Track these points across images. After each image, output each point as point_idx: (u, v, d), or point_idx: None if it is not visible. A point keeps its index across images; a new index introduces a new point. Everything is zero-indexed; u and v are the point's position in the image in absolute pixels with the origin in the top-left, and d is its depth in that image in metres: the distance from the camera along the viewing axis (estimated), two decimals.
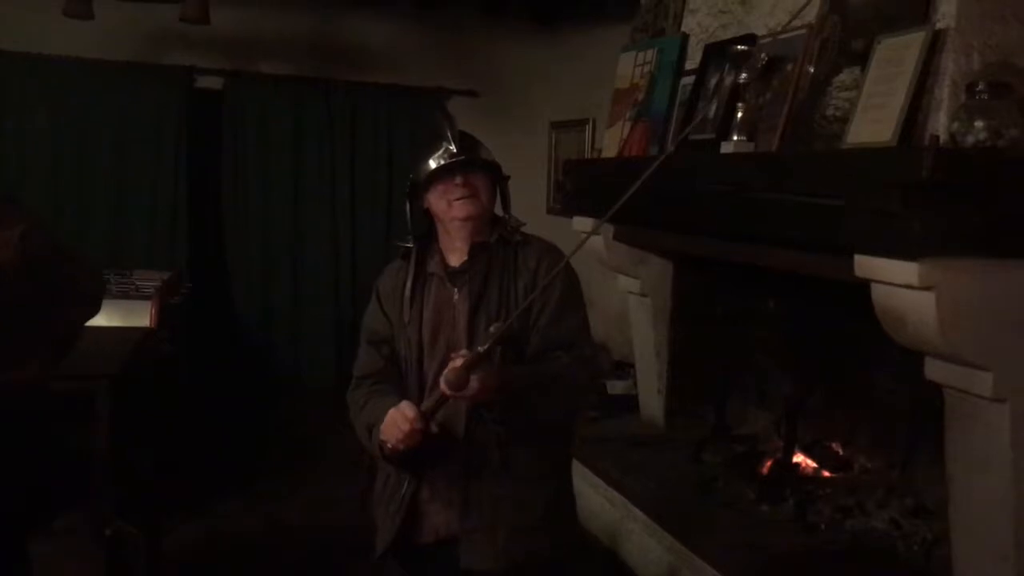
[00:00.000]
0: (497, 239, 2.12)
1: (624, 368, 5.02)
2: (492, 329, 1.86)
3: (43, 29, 5.28)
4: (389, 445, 1.95)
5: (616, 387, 4.81)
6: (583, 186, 4.12)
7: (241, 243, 6.14)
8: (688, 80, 3.57)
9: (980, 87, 2.24)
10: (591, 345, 2.17)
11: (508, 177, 2.19)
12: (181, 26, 4.97)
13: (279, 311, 6.23)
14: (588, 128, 5.97)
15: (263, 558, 3.73)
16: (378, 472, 2.20)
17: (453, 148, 2.08)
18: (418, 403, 1.98)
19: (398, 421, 1.90)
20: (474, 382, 1.79)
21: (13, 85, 5.48)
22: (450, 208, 2.08)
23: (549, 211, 6.26)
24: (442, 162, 2.07)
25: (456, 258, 2.13)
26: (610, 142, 4.03)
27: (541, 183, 6.46)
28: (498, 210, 2.19)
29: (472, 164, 2.10)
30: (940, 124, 2.35)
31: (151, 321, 4.59)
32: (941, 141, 2.29)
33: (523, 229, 2.19)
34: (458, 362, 1.78)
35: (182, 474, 4.31)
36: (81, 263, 2.51)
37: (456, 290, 2.10)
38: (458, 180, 2.07)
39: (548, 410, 2.02)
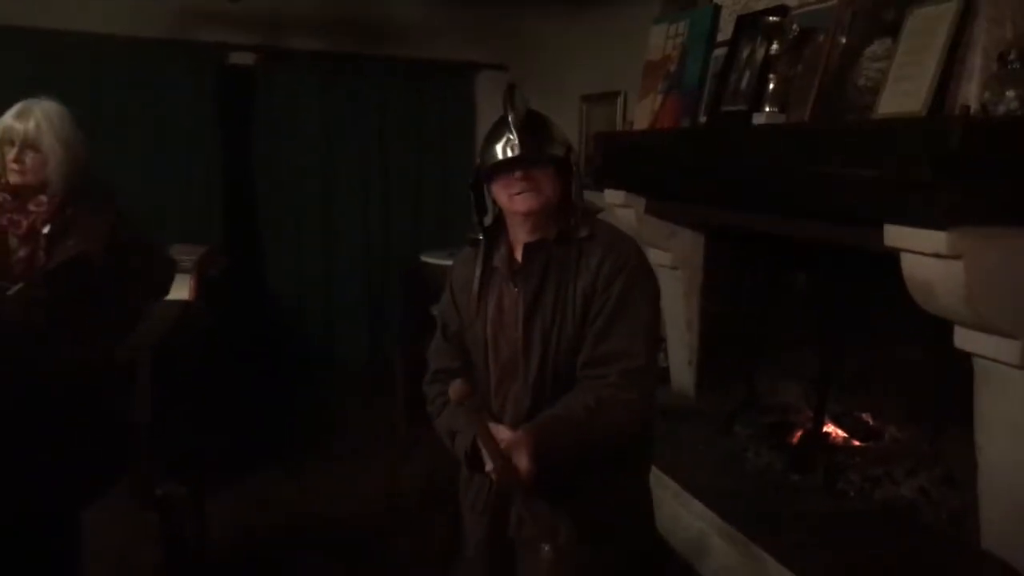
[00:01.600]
0: (557, 236, 2.00)
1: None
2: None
3: (79, 7, 5.36)
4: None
5: None
6: (614, 159, 4.14)
7: (274, 218, 6.22)
8: (720, 52, 3.57)
9: (1012, 56, 2.24)
10: (645, 354, 1.95)
11: (577, 164, 2.05)
12: (213, 3, 5.03)
13: (311, 287, 6.32)
14: (620, 101, 5.95)
15: (294, 528, 3.82)
16: (461, 471, 2.16)
17: (514, 139, 1.95)
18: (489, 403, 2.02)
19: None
20: (523, 463, 1.76)
21: (49, 62, 5.56)
22: (511, 202, 1.98)
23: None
24: (507, 153, 1.95)
25: (521, 253, 2.04)
26: (641, 114, 4.05)
27: None
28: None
29: (530, 161, 1.95)
30: (972, 94, 2.35)
31: (190, 294, 4.70)
32: (972, 111, 2.29)
33: (604, 217, 2.08)
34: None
35: (216, 445, 4.42)
36: (157, 252, 2.63)
37: (516, 289, 2.01)
38: (517, 175, 1.94)
39: (591, 449, 1.92)
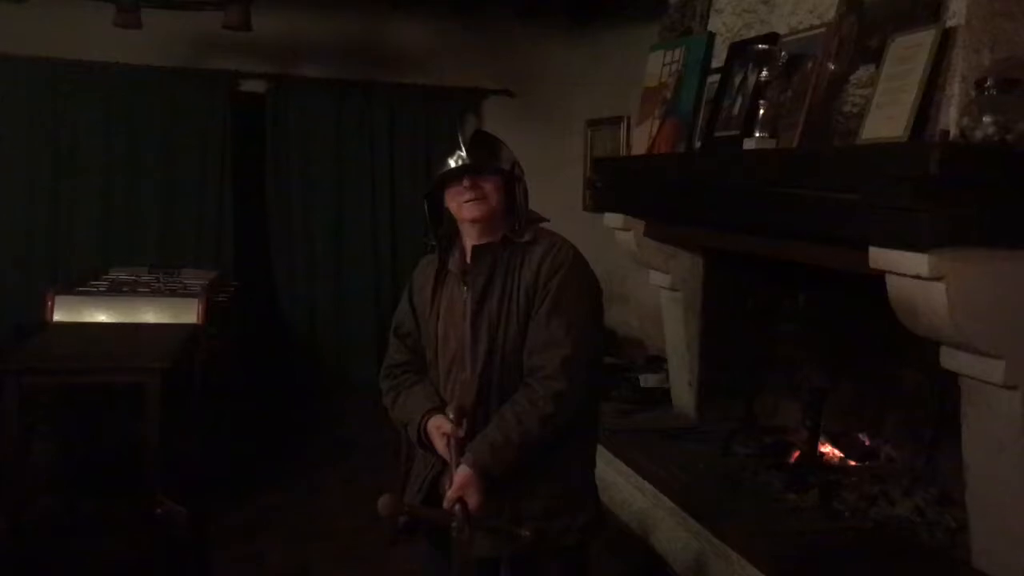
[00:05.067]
0: (501, 240, 2.18)
1: (658, 362, 5.10)
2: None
3: (96, 38, 5.50)
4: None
5: (649, 380, 4.88)
6: (613, 183, 4.20)
7: (284, 243, 6.32)
8: (715, 78, 3.64)
9: (989, 83, 2.30)
10: (575, 345, 2.11)
11: (519, 178, 2.22)
12: (225, 32, 5.16)
13: (323, 310, 6.40)
14: (623, 126, 6.03)
15: (303, 541, 3.87)
16: (413, 463, 2.36)
17: (463, 153, 2.16)
18: (439, 391, 2.23)
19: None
20: (473, 501, 2.01)
21: (68, 91, 5.72)
22: (460, 209, 2.17)
23: (585, 208, 6.35)
24: (457, 164, 2.16)
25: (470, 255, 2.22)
26: (639, 139, 4.12)
27: (577, 181, 6.55)
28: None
29: (477, 169, 2.16)
30: (951, 119, 2.40)
31: (198, 318, 4.78)
32: (951, 136, 2.35)
33: (548, 226, 2.25)
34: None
35: (226, 464, 4.48)
36: None
37: (465, 288, 2.19)
38: (465, 183, 2.14)
39: (531, 451, 2.10)
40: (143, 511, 3.47)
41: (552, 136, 6.51)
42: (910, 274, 2.36)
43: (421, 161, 6.48)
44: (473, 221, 2.17)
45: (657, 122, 3.97)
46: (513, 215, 2.21)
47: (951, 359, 2.53)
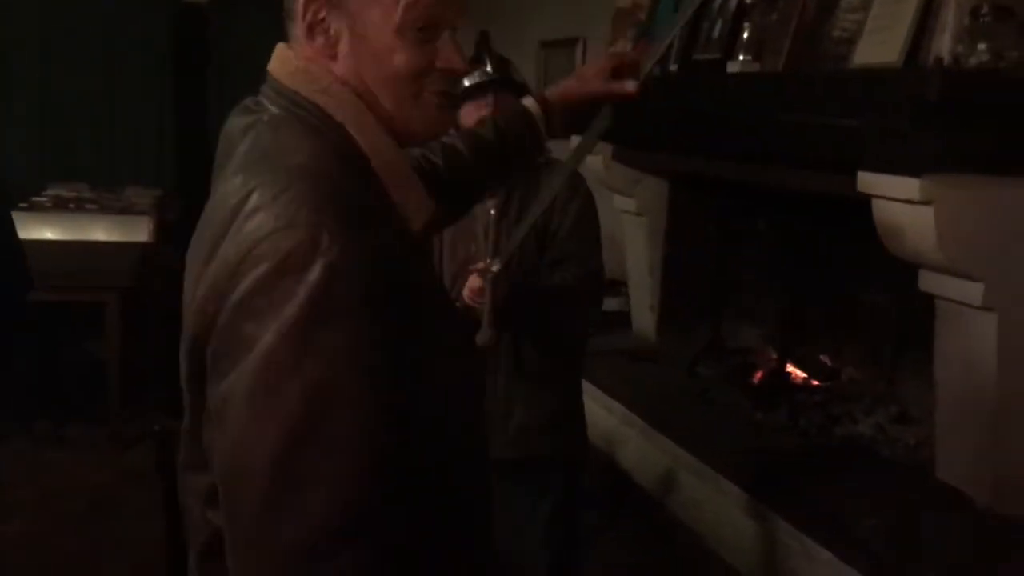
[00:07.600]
0: None
1: (615, 286, 5.14)
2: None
3: None
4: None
5: (609, 304, 4.93)
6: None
7: None
8: None
9: (984, 10, 2.34)
10: (595, 261, 2.34)
11: None
12: None
13: None
14: (579, 48, 5.96)
15: None
16: None
17: (488, 69, 2.21)
18: None
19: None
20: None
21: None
22: (479, 125, 2.19)
23: None
24: (476, 80, 2.20)
25: None
26: None
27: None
28: None
29: (502, 84, 2.22)
30: (944, 46, 2.44)
31: (150, 236, 4.65)
32: (945, 63, 2.39)
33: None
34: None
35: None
36: None
37: (479, 204, 2.20)
38: (489, 99, 2.18)
39: (549, 318, 2.22)
40: (108, 437, 3.41)
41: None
42: (900, 198, 2.41)
43: None
44: None
45: (629, 44, 3.94)
46: None
47: (930, 282, 2.61)
